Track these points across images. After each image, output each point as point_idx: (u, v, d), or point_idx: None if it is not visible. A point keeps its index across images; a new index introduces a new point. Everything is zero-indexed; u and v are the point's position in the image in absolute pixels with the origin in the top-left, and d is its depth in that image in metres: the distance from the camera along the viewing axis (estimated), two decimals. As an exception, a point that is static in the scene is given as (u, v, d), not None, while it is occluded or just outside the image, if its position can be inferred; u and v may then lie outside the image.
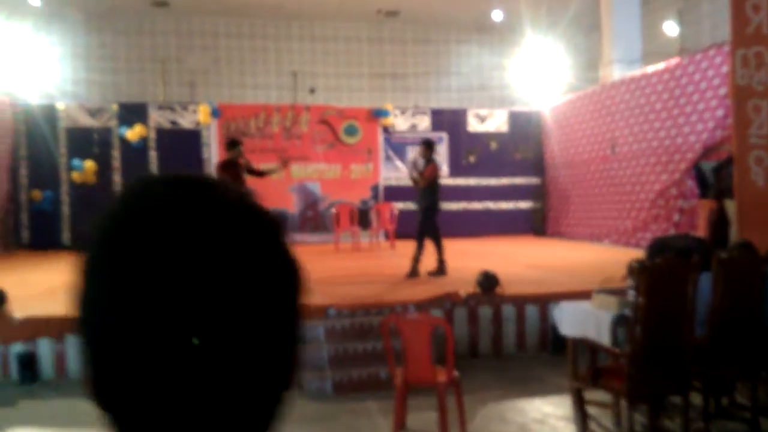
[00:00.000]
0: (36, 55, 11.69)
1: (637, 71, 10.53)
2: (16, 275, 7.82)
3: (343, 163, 12.88)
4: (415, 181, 7.66)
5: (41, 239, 11.77)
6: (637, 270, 3.65)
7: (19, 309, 5.56)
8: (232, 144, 7.78)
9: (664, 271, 3.60)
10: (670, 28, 12.18)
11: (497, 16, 13.89)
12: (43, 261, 9.94)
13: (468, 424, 3.99)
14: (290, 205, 12.45)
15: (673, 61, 9.60)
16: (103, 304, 0.49)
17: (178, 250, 0.47)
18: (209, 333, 0.46)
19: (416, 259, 7.35)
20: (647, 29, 12.13)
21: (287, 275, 0.52)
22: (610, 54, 11.58)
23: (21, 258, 10.57)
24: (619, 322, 4.14)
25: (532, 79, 13.51)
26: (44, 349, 5.36)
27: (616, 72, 11.28)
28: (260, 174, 8.18)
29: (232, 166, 7.60)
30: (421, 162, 7.82)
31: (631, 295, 4.28)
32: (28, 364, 5.27)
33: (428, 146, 7.94)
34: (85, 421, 4.40)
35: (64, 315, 5.47)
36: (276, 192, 7.68)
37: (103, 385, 0.49)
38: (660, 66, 9.79)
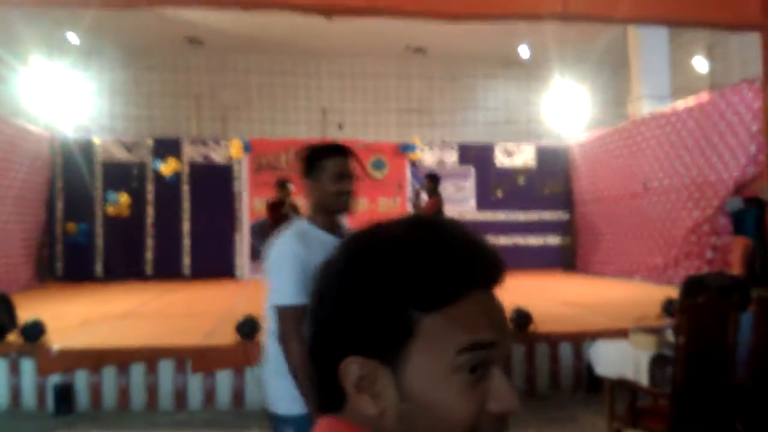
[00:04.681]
0: (73, 90, 12.04)
1: (666, 107, 10.51)
2: (51, 307, 7.95)
3: (370, 196, 12.96)
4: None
5: (75, 271, 11.97)
6: (678, 309, 3.61)
7: (56, 340, 5.65)
8: (281, 184, 8.00)
9: (705, 311, 3.56)
10: (700, 64, 12.17)
11: (524, 52, 14.02)
12: (77, 293, 10.11)
13: (504, 464, 3.93)
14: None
15: (704, 96, 9.57)
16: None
17: None
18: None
19: None
20: (676, 65, 12.14)
21: None
22: (638, 90, 11.60)
23: (55, 289, 10.74)
24: (657, 361, 4.09)
25: (560, 113, 13.55)
26: (81, 380, 5.42)
27: (645, 108, 11.27)
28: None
29: (279, 206, 7.89)
30: (424, 196, 7.86)
31: (669, 333, 4.23)
32: (65, 395, 5.32)
33: (432, 180, 7.98)
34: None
35: (101, 347, 5.56)
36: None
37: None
38: (690, 102, 9.76)
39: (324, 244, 2.18)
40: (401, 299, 0.63)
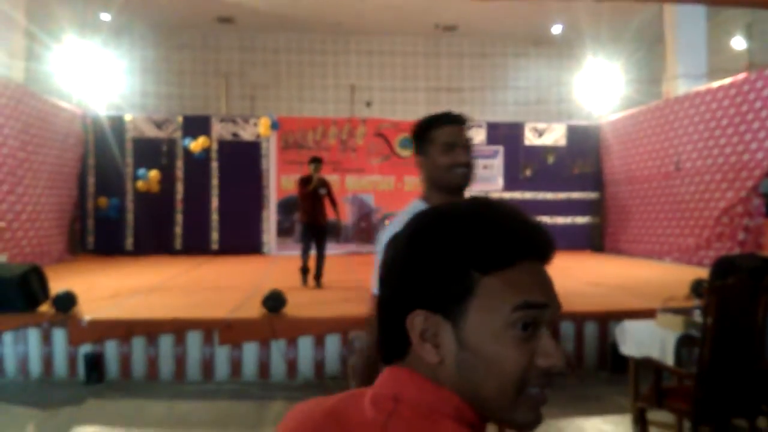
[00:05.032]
0: (105, 69, 12.18)
1: (702, 86, 10.25)
2: (82, 279, 8.13)
3: (397, 175, 12.95)
4: None
5: (105, 245, 12.23)
6: (707, 290, 3.55)
7: (87, 311, 5.78)
8: (312, 161, 8.05)
9: (734, 292, 3.49)
10: (738, 43, 11.82)
11: (556, 29, 13.77)
12: (108, 266, 10.32)
13: (526, 440, 3.93)
14: (344, 215, 12.57)
15: (741, 76, 9.31)
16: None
17: None
18: None
19: None
20: (713, 44, 11.81)
21: None
22: (674, 69, 11.31)
23: (86, 262, 10.98)
24: (684, 342, 4.04)
25: (592, 93, 13.31)
26: (111, 350, 5.54)
27: (680, 87, 11.01)
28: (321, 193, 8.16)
29: (307, 182, 7.94)
30: None
31: (697, 314, 4.17)
32: (95, 364, 5.45)
33: None
34: (150, 422, 4.54)
35: (130, 318, 5.67)
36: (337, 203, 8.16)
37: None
38: (726, 81, 9.51)
39: None
40: (464, 262, 0.71)
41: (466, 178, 1.97)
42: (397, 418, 0.70)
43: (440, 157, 1.94)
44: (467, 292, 0.71)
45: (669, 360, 3.97)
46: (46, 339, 5.57)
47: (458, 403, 0.71)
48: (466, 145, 1.97)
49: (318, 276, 7.93)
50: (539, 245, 0.74)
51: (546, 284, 0.74)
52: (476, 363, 0.71)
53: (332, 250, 10.06)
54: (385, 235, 1.96)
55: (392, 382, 0.74)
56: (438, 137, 1.95)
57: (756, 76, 8.95)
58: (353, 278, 8.64)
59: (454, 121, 1.98)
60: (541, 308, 0.72)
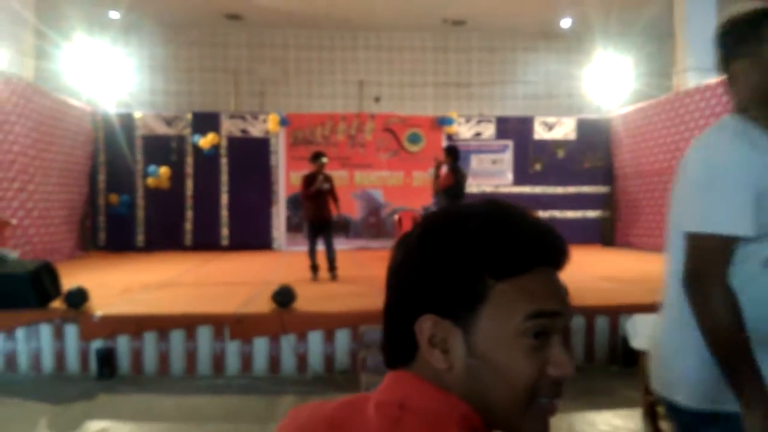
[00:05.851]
0: (115, 66, 12.24)
1: (713, 79, 10.17)
2: (94, 275, 8.18)
3: (406, 170, 12.94)
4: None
5: (116, 241, 12.29)
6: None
7: (99, 307, 5.81)
8: (315, 157, 7.88)
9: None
10: (749, 34, 11.69)
11: (565, 23, 13.70)
12: (119, 262, 10.37)
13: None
14: (353, 211, 12.59)
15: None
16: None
17: None
18: None
19: None
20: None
21: None
22: (684, 62, 11.22)
23: (97, 259, 11.05)
24: (695, 335, 4.00)
25: (602, 87, 13.23)
26: (122, 346, 5.57)
27: (691, 80, 10.92)
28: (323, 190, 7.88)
29: (312, 179, 7.77)
30: (444, 169, 7.85)
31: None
32: (107, 359, 5.49)
33: (449, 153, 7.86)
34: (161, 416, 4.57)
35: (141, 314, 5.70)
36: (339, 198, 8.15)
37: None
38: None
39: None
40: (478, 266, 0.69)
41: None
42: (404, 425, 0.68)
43: None
44: (479, 297, 0.69)
45: (680, 353, 3.94)
46: (58, 335, 5.62)
47: (466, 411, 0.69)
48: None
49: (332, 268, 7.85)
50: (554, 252, 0.73)
51: (559, 292, 0.73)
52: (486, 371, 0.69)
53: (342, 245, 10.10)
54: (700, 158, 1.53)
55: (398, 388, 0.72)
56: None
57: None
58: (363, 273, 8.64)
59: None
60: (553, 316, 0.70)
